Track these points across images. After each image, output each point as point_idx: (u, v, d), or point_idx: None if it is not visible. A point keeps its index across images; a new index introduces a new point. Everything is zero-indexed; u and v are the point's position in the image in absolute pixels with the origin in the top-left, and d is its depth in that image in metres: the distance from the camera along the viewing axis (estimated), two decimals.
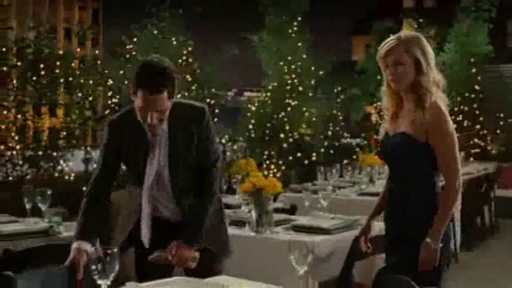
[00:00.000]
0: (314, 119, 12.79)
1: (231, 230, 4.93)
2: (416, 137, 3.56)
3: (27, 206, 4.96)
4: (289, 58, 12.35)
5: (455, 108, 14.72)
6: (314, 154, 11.99)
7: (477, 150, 14.54)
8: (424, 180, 3.61)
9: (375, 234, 4.75)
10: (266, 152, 11.65)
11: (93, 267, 2.61)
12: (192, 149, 3.70)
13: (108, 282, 2.62)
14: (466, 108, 14.76)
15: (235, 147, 12.09)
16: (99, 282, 2.61)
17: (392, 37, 3.68)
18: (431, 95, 3.58)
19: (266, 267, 4.45)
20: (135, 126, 3.65)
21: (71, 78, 8.19)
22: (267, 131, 11.89)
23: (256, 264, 4.53)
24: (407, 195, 3.63)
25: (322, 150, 12.74)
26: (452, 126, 3.59)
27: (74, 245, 3.43)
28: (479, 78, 14.77)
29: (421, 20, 16.31)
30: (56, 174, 7.74)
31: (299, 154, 11.77)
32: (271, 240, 4.63)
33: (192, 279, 3.11)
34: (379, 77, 14.84)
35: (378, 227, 5.27)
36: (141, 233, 3.73)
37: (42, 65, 7.95)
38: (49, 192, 4.83)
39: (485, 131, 14.83)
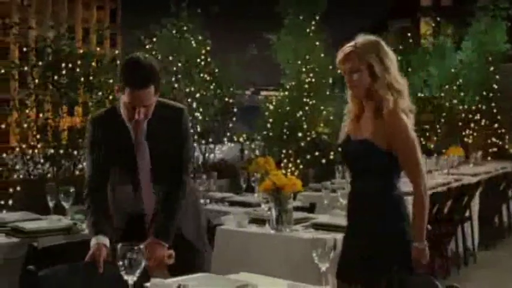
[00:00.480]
0: (331, 117, 12.78)
1: (251, 228, 5.00)
2: (378, 145, 3.57)
3: (51, 204, 5.03)
4: (307, 57, 12.36)
5: (473, 107, 14.69)
6: (331, 153, 11.97)
7: (495, 149, 14.49)
8: (386, 186, 3.63)
9: None
10: (284, 151, 11.67)
11: (120, 263, 2.66)
12: (171, 148, 3.83)
13: (135, 278, 2.66)
14: (483, 107, 14.71)
15: (252, 145, 12.11)
16: (125, 277, 2.66)
17: (349, 43, 3.69)
18: (388, 102, 3.58)
19: (286, 264, 4.49)
20: (118, 124, 3.78)
21: (91, 78, 8.24)
22: (285, 130, 11.91)
23: (276, 262, 4.57)
24: (368, 199, 3.64)
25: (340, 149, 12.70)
26: (412, 131, 3.61)
27: (93, 241, 3.55)
28: (497, 76, 14.72)
29: (438, 19, 16.27)
30: (77, 173, 7.80)
31: (317, 153, 11.78)
32: (291, 238, 4.68)
33: (216, 275, 3.16)
34: None
35: None
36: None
37: (63, 65, 8.00)
38: (72, 190, 4.89)
39: (503, 130, 14.78)
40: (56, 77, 8.06)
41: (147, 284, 2.96)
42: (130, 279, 2.66)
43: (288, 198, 4.72)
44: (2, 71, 8.21)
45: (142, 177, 3.84)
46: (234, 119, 11.22)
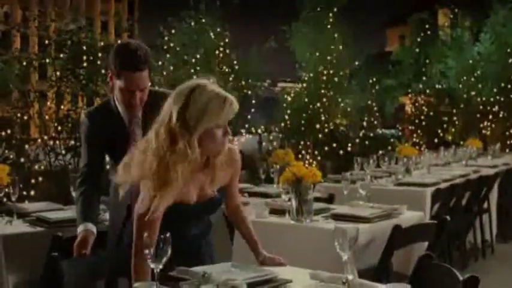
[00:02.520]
0: (349, 109, 12.82)
1: (271, 219, 5.04)
2: None
3: (74, 194, 5.06)
4: (325, 49, 12.39)
5: (491, 99, 14.65)
6: (349, 145, 12.01)
7: None
8: None
9: (413, 224, 4.83)
10: (301, 143, 11.71)
11: (146, 251, 2.71)
12: None
13: (160, 266, 2.71)
14: (502, 99, 14.66)
15: (270, 137, 12.16)
16: (152, 265, 2.71)
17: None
18: None
19: (306, 255, 4.51)
20: (113, 117, 3.84)
21: None
22: (303, 122, 11.94)
23: (297, 252, 4.59)
24: None
25: (357, 141, 12.77)
26: None
27: (81, 227, 3.82)
28: None
29: (456, 11, 16.23)
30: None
31: (334, 145, 11.81)
32: (312, 229, 4.71)
33: (239, 264, 3.20)
34: (414, 68, 14.94)
35: (417, 217, 5.35)
36: None
37: (84, 57, 8.08)
38: None
39: None
40: (76, 70, 8.12)
41: (171, 273, 3.00)
42: (156, 266, 2.71)
43: (308, 189, 4.74)
44: (24, 63, 8.27)
45: None
46: (253, 110, 11.26)
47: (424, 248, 4.68)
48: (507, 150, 13.30)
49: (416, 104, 15.42)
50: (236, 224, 3.72)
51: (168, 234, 2.73)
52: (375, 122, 14.19)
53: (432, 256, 3.51)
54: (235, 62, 10.80)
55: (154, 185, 2.98)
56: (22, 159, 7.82)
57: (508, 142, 14.25)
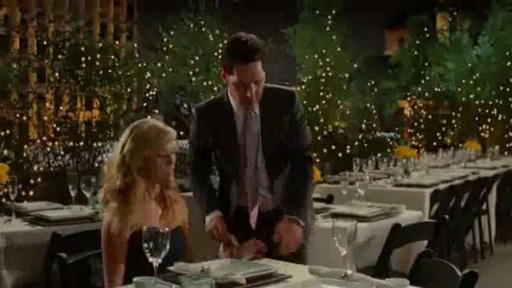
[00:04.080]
0: (348, 112, 12.82)
1: None
2: None
3: (72, 193, 5.07)
4: (324, 51, 12.40)
5: (490, 102, 14.66)
6: (348, 147, 12.01)
7: None
8: None
9: (412, 223, 4.84)
10: None
11: (145, 245, 2.71)
12: (283, 133, 3.68)
13: (159, 260, 2.72)
14: (500, 102, 14.67)
15: None
16: (150, 260, 2.71)
17: None
18: None
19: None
20: (224, 114, 3.69)
21: (110, 71, 8.32)
22: None
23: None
24: None
25: (356, 143, 12.78)
26: None
27: (209, 216, 3.68)
28: None
29: (455, 13, 16.26)
30: (96, 165, 7.89)
31: (333, 147, 11.81)
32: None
33: (239, 260, 3.20)
34: (413, 71, 14.93)
35: (417, 215, 5.36)
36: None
37: (83, 58, 8.09)
38: (93, 180, 4.95)
39: None
40: (75, 70, 8.13)
41: (171, 268, 3.00)
42: (155, 261, 2.71)
43: None
44: (23, 64, 8.27)
45: (247, 169, 3.72)
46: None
47: (423, 247, 4.68)
48: (506, 153, 13.29)
49: (415, 107, 15.42)
50: None
51: (166, 229, 2.74)
52: (374, 125, 14.20)
53: (431, 253, 3.52)
54: None
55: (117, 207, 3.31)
56: (21, 160, 7.82)
57: (507, 145, 14.25)
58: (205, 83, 10.33)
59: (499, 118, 14.69)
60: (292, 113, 3.71)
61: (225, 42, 10.79)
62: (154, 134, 3.39)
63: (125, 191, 3.34)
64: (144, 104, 9.05)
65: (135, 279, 2.77)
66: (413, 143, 14.73)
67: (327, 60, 12.43)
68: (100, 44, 8.45)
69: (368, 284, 2.69)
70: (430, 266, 3.32)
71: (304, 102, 12.15)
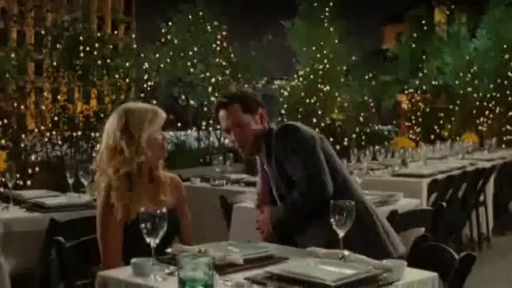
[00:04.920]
0: (346, 104, 12.83)
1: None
2: None
3: (70, 181, 5.08)
4: (322, 44, 12.40)
5: (488, 95, 14.67)
6: (345, 139, 12.02)
7: (510, 137, 14.45)
8: None
9: (408, 210, 4.84)
10: None
11: (143, 226, 2.72)
12: (278, 176, 3.62)
13: (157, 241, 2.72)
14: (498, 95, 14.67)
15: None
16: (148, 240, 2.72)
17: None
18: None
19: None
20: None
21: (108, 61, 8.31)
22: (299, 116, 11.95)
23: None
24: None
25: (354, 135, 12.79)
26: None
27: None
28: (511, 64, 14.65)
29: (453, 7, 16.26)
30: (94, 155, 7.87)
31: (331, 139, 11.82)
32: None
33: (237, 243, 3.21)
34: (410, 64, 14.93)
35: (415, 203, 5.37)
36: None
37: (81, 47, 8.07)
38: (91, 168, 4.94)
39: None
40: (73, 60, 8.12)
41: (169, 250, 3.01)
42: (153, 241, 2.72)
43: None
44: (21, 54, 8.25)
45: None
46: None
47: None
48: (503, 146, 13.30)
49: (413, 100, 15.43)
50: None
51: (164, 209, 2.75)
52: (371, 118, 14.22)
53: (429, 237, 3.52)
54: (232, 55, 10.82)
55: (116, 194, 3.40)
56: (19, 150, 7.82)
57: (505, 138, 14.25)
58: (203, 75, 10.33)
59: (497, 111, 14.69)
60: (277, 150, 3.61)
61: (224, 34, 10.89)
62: (150, 115, 3.54)
63: (130, 175, 3.45)
64: (142, 95, 9.05)
65: (132, 260, 2.78)
66: (411, 136, 14.73)
67: (325, 52, 12.43)
68: (98, 34, 8.42)
69: (365, 264, 2.69)
70: (427, 249, 3.32)
71: (302, 94, 12.16)
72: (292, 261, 2.90)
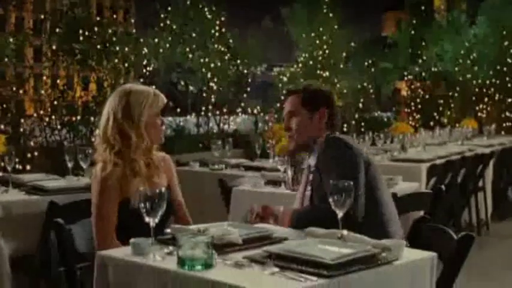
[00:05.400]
0: (345, 91, 12.81)
1: (268, 189, 5.06)
2: None
3: (69, 165, 5.09)
4: (321, 29, 12.38)
5: (487, 82, 14.64)
6: (345, 125, 12.00)
7: (509, 123, 14.45)
8: None
9: (407, 193, 4.84)
10: None
11: (142, 205, 2.72)
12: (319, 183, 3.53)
13: (156, 220, 2.72)
14: (497, 82, 14.65)
15: (266, 117, 12.17)
16: (147, 219, 2.72)
17: None
18: None
19: None
20: None
21: (107, 45, 8.29)
22: None
23: None
24: None
25: (353, 122, 12.79)
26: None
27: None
28: (511, 51, 14.61)
29: None
30: (93, 139, 7.86)
31: None
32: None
33: (237, 223, 3.21)
34: (410, 51, 14.89)
35: (414, 186, 5.38)
36: None
37: (80, 32, 8.05)
38: (90, 151, 4.94)
39: None
40: (72, 44, 8.10)
41: (168, 230, 3.01)
42: (152, 221, 2.72)
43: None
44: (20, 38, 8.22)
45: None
46: (249, 89, 11.31)
47: None
48: (503, 133, 13.31)
49: (413, 87, 15.42)
50: None
51: (163, 189, 2.76)
52: (371, 105, 14.21)
53: (428, 218, 3.53)
54: (231, 41, 10.81)
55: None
56: (18, 134, 7.82)
57: (504, 124, 14.25)
58: (202, 60, 10.31)
59: (496, 98, 14.68)
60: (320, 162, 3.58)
61: (223, 19, 10.85)
62: (150, 98, 3.54)
63: (127, 156, 3.47)
64: (141, 80, 9.03)
65: (131, 240, 2.78)
66: (410, 123, 14.72)
67: (324, 39, 12.41)
68: (98, 19, 8.40)
69: (364, 243, 2.70)
70: (426, 230, 3.33)
71: (302, 80, 12.13)
72: (291, 241, 2.90)
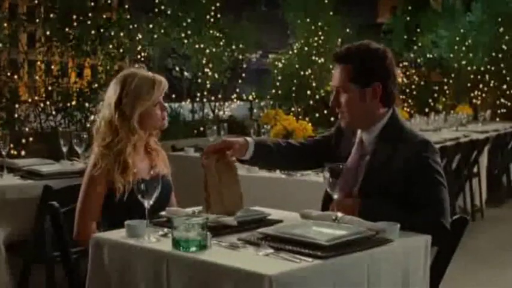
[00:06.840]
0: None
1: (264, 173, 5.07)
2: None
3: (64, 149, 5.07)
4: (315, 15, 12.37)
5: (482, 68, 14.64)
6: None
7: (504, 110, 14.46)
8: None
9: None
10: (292, 109, 11.71)
11: (136, 188, 2.73)
12: (393, 185, 3.03)
13: (151, 202, 2.73)
14: (492, 68, 14.65)
15: (261, 104, 12.19)
16: (141, 201, 2.73)
17: None
18: None
19: (296, 207, 4.54)
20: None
21: (102, 30, 8.26)
22: (294, 88, 11.94)
23: (287, 206, 4.63)
24: None
25: None
26: None
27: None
28: (506, 37, 14.61)
29: None
30: (88, 125, 7.85)
31: (325, 111, 11.81)
32: (302, 182, 4.76)
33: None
34: (405, 38, 14.85)
35: None
36: None
37: (74, 16, 8.01)
38: (85, 136, 4.94)
39: None
40: (66, 29, 8.07)
41: (162, 213, 3.02)
42: (147, 203, 2.73)
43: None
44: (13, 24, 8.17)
45: None
46: (244, 75, 11.32)
47: None
48: (497, 119, 13.33)
49: (408, 73, 15.41)
50: None
51: (159, 172, 2.77)
52: None
53: None
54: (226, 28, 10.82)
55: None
56: (12, 120, 7.80)
57: (499, 111, 14.27)
58: (197, 46, 10.29)
59: (491, 84, 14.68)
60: (415, 167, 3.07)
61: (218, 5, 10.81)
62: (148, 87, 3.48)
63: (122, 147, 3.45)
64: (136, 65, 8.99)
65: (126, 222, 2.79)
66: (405, 109, 14.73)
67: (320, 24, 12.39)
68: (92, 4, 8.35)
69: (359, 225, 2.70)
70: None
71: (297, 66, 12.13)
72: (285, 224, 2.91)
